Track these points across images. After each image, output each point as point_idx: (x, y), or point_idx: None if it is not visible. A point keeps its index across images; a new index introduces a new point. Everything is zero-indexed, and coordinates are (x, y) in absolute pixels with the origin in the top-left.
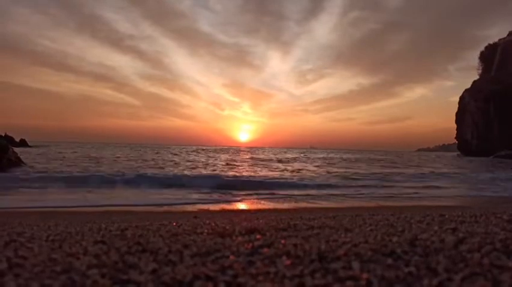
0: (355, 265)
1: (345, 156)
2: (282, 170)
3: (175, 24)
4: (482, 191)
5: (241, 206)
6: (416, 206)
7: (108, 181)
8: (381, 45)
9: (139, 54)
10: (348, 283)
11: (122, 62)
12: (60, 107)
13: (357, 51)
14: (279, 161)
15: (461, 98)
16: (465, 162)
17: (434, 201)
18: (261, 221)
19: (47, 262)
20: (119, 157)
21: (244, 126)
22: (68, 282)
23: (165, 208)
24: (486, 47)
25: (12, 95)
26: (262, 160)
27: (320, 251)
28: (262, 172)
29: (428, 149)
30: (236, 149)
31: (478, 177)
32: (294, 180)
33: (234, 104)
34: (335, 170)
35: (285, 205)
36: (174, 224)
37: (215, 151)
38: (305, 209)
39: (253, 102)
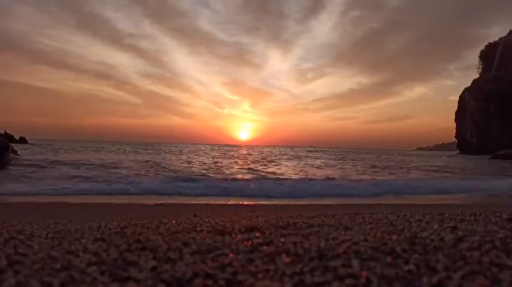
0: (355, 263)
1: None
2: None
3: (176, 22)
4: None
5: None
6: (416, 205)
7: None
8: (381, 44)
9: (139, 52)
10: (348, 280)
11: (122, 61)
12: (61, 105)
13: (357, 50)
14: None
15: (461, 97)
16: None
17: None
18: (260, 219)
19: (46, 259)
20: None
21: (244, 125)
22: (68, 279)
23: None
24: (486, 46)
25: (12, 93)
26: None
27: (320, 249)
28: None
29: (427, 148)
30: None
31: None
32: None
33: (234, 103)
34: None
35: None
36: (174, 222)
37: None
38: (305, 207)
39: (253, 101)
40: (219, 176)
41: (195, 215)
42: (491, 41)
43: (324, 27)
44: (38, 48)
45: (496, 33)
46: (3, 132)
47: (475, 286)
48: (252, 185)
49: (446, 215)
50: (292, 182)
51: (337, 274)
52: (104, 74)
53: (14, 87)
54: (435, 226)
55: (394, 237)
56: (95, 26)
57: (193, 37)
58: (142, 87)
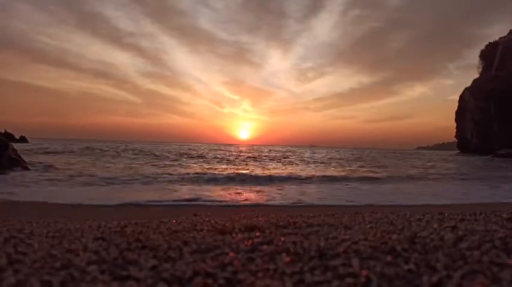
0: (355, 262)
1: None
2: None
3: (176, 21)
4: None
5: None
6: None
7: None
8: (381, 44)
9: (139, 51)
10: (348, 279)
11: (122, 59)
12: (60, 104)
13: (358, 50)
14: None
15: (461, 97)
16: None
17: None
18: (260, 218)
19: (46, 258)
20: None
21: (244, 124)
22: (68, 278)
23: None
24: (487, 46)
25: (12, 92)
26: None
27: (319, 248)
28: None
29: (427, 148)
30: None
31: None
32: None
33: (234, 102)
34: None
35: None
36: (174, 221)
37: None
38: (305, 206)
39: (254, 100)
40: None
41: (195, 215)
42: (491, 41)
43: (324, 27)
44: (37, 47)
45: (496, 32)
46: (3, 131)
47: (475, 285)
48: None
49: (446, 214)
50: None
51: (337, 273)
52: (104, 73)
53: (14, 86)
54: (435, 225)
55: (394, 236)
56: (94, 24)
57: (194, 36)
58: (142, 86)
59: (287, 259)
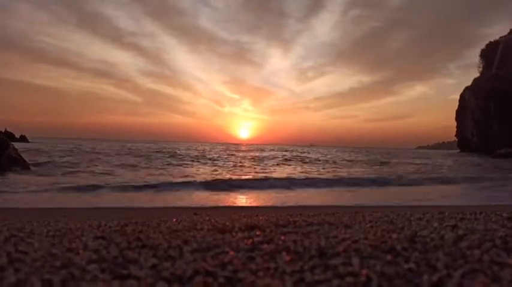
0: (355, 261)
1: None
2: None
3: (177, 21)
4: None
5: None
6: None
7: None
8: (381, 43)
9: (140, 51)
10: (348, 279)
11: (122, 59)
12: (60, 104)
13: (358, 49)
14: None
15: (462, 96)
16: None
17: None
18: (260, 217)
19: (47, 257)
20: None
21: (244, 124)
22: (68, 277)
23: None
24: (487, 45)
25: (12, 91)
26: None
27: (320, 247)
28: None
29: (428, 147)
30: None
31: None
32: None
33: (235, 101)
34: None
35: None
36: (174, 220)
37: None
38: (305, 206)
39: (254, 100)
40: None
41: (195, 214)
42: (491, 40)
43: (325, 26)
44: (38, 47)
45: (496, 32)
46: (3, 131)
47: (476, 284)
48: None
49: (447, 213)
50: None
51: (337, 272)
52: (104, 73)
53: (14, 86)
54: (435, 225)
55: (394, 235)
56: (95, 24)
57: (194, 35)
58: (143, 85)
59: (287, 258)
